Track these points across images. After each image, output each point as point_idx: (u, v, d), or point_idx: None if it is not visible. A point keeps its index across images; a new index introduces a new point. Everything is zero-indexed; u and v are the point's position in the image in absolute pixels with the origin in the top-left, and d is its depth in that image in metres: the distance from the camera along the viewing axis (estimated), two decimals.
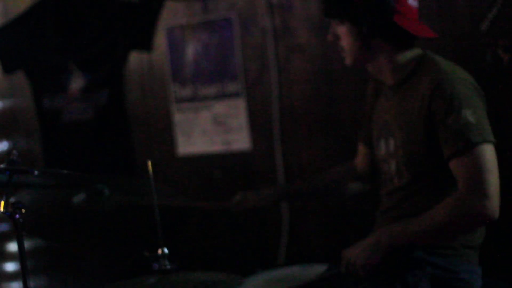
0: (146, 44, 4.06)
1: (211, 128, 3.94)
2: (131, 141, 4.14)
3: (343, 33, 2.45)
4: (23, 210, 2.22)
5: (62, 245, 4.47)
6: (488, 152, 2.20)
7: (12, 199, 2.25)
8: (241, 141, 3.92)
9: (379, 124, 2.51)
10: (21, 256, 2.46)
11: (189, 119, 4.00)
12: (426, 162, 2.32)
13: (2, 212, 2.24)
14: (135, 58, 4.10)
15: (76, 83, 4.17)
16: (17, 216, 2.25)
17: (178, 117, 4.01)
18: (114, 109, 4.12)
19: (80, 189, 2.71)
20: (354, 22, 2.39)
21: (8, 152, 4.60)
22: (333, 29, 2.48)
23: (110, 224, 3.76)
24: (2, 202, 2.23)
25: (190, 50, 3.99)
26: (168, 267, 2.18)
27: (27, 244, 4.70)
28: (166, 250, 2.18)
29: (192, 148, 4.02)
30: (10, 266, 4.68)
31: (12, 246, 4.68)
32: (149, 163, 2.18)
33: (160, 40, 3.99)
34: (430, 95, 2.25)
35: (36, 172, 2.28)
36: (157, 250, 2.18)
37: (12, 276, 4.68)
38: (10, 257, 4.66)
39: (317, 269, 2.85)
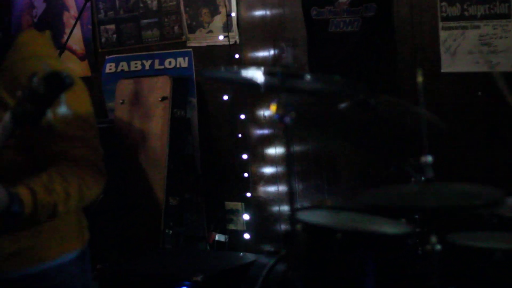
0: None
1: (477, 48, 3.91)
2: (395, 56, 4.20)
3: None
4: (293, 114, 2.35)
5: (322, 151, 4.61)
6: None
7: (283, 102, 2.38)
8: (506, 62, 3.89)
9: None
10: (288, 159, 2.61)
11: (455, 37, 3.97)
12: None
13: (273, 115, 2.37)
14: None
15: None
16: (287, 119, 2.37)
17: (444, 35, 4.01)
18: (381, 23, 4.22)
19: (345, 98, 2.80)
20: None
21: (279, 57, 4.81)
22: None
23: (373, 131, 3.82)
24: (275, 105, 2.36)
25: None
26: (431, 176, 2.23)
27: (284, 148, 4.91)
28: (430, 159, 2.22)
29: (456, 67, 4.05)
30: (269, 170, 4.88)
31: (271, 151, 4.87)
32: (419, 72, 2.23)
33: None
34: None
35: (307, 77, 2.40)
36: (420, 158, 2.23)
37: (269, 180, 4.88)
38: (269, 161, 4.87)
39: None
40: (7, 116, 2.04)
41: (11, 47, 2.51)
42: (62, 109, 1.91)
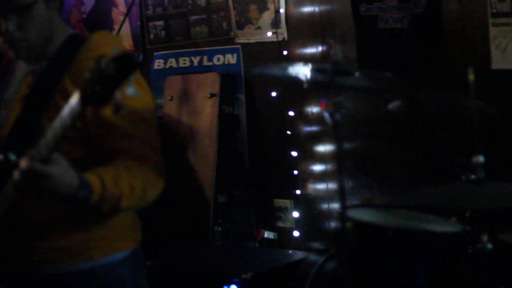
0: None
1: None
2: (445, 53, 4.19)
3: None
4: (343, 111, 2.37)
5: (371, 148, 4.61)
6: None
7: (333, 99, 2.40)
8: None
9: None
10: (338, 155, 2.62)
11: (505, 34, 3.96)
12: None
13: (322, 112, 2.39)
14: None
15: None
16: (337, 116, 2.40)
17: (494, 32, 4.01)
18: (430, 20, 4.22)
19: (395, 95, 2.81)
20: None
21: (327, 54, 4.81)
22: None
23: (423, 128, 3.82)
24: (324, 102, 2.39)
25: None
26: (481, 176, 2.24)
27: (334, 145, 4.94)
28: (481, 158, 2.23)
29: (507, 64, 4.05)
30: (318, 167, 4.90)
31: (320, 148, 4.89)
32: (470, 70, 2.24)
33: None
34: None
35: (357, 74, 2.42)
36: (471, 158, 2.24)
37: (318, 177, 4.89)
38: (318, 158, 4.88)
39: None
40: (74, 97, 2.08)
41: (84, 45, 2.59)
42: (131, 90, 1.94)
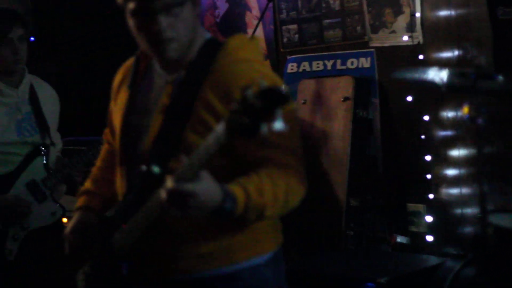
0: None
1: None
2: None
3: None
4: (486, 115, 2.37)
5: (509, 152, 4.55)
6: None
7: (476, 104, 2.40)
8: None
9: None
10: (479, 159, 2.60)
11: None
12: None
13: (463, 116, 2.39)
14: None
15: None
16: (480, 120, 2.39)
17: None
18: None
19: None
20: None
21: (467, 58, 4.78)
22: None
23: None
24: (467, 106, 2.38)
25: None
26: None
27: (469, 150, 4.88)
28: None
29: None
30: (452, 172, 4.86)
31: (454, 152, 4.86)
32: None
33: None
34: None
35: (500, 78, 2.41)
36: None
37: (452, 182, 4.86)
38: (452, 162, 4.85)
39: None
40: (220, 127, 2.11)
41: (221, 50, 2.62)
42: (279, 125, 1.91)
